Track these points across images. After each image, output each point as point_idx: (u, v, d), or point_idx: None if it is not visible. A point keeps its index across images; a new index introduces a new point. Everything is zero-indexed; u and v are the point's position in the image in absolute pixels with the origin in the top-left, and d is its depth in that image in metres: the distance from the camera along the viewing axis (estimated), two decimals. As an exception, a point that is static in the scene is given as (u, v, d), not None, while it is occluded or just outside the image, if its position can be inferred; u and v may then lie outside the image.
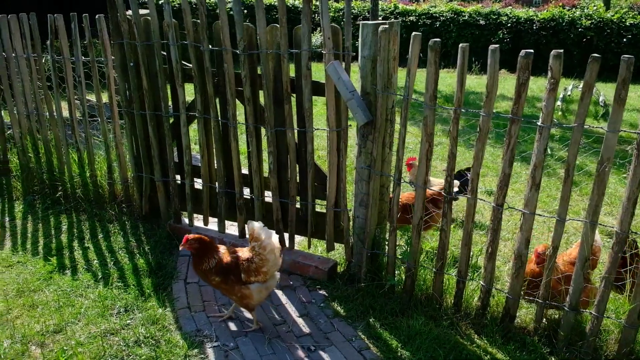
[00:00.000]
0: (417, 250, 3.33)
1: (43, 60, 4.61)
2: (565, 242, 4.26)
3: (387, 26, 3.03)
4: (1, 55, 4.75)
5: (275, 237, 3.08)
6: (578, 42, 12.97)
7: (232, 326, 3.23)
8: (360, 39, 3.20)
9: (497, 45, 2.77)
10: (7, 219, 4.59)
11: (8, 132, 5.22)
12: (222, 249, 3.19)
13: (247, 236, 3.10)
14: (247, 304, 3.13)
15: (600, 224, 2.83)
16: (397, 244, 3.50)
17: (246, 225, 3.05)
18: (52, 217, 4.58)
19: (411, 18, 14.51)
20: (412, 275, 3.39)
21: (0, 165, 5.23)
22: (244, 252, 3.13)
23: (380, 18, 14.16)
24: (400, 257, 3.52)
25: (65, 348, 2.94)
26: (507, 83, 11.26)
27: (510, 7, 14.57)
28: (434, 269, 3.30)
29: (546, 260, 2.98)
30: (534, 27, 13.33)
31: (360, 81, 3.27)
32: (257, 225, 3.05)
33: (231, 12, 3.48)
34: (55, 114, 4.65)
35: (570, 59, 12.83)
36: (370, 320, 3.29)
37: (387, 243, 3.52)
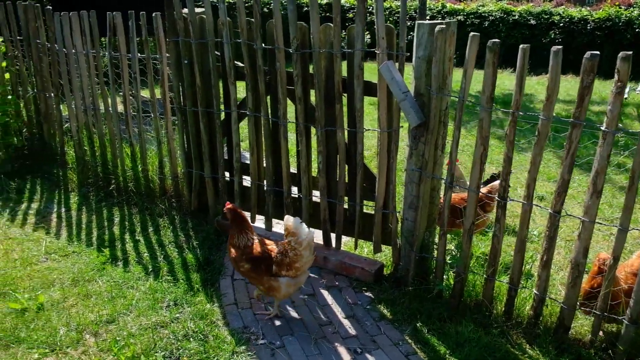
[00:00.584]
0: (467, 255, 3.26)
1: (101, 57, 4.74)
2: (626, 252, 4.08)
3: (444, 26, 2.97)
4: (62, 51, 4.92)
5: (311, 234, 3.08)
6: (636, 43, 12.44)
7: (278, 324, 3.24)
8: (415, 39, 3.15)
9: (559, 47, 2.68)
10: (63, 209, 4.76)
11: (66, 126, 5.40)
12: (256, 237, 3.24)
13: (283, 230, 3.11)
14: (274, 295, 3.18)
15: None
16: (447, 248, 3.44)
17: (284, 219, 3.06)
18: (105, 209, 4.71)
19: (459, 17, 14.24)
20: (462, 280, 3.31)
21: (57, 158, 5.42)
22: (277, 245, 3.15)
23: (427, 17, 13.98)
24: (449, 261, 3.46)
25: (117, 338, 3.02)
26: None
27: (562, 7, 14.10)
28: (484, 275, 3.23)
29: (606, 271, 2.86)
30: (588, 27, 12.86)
31: (413, 82, 3.22)
32: (294, 220, 3.05)
33: (284, 11, 3.49)
34: (110, 109, 4.78)
35: (626, 61, 12.31)
36: (418, 324, 3.24)
37: (435, 247, 3.46)
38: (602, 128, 2.64)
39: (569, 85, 11.04)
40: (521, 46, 2.74)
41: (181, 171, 4.52)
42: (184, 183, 4.52)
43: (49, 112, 5.42)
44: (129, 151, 4.84)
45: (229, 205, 3.28)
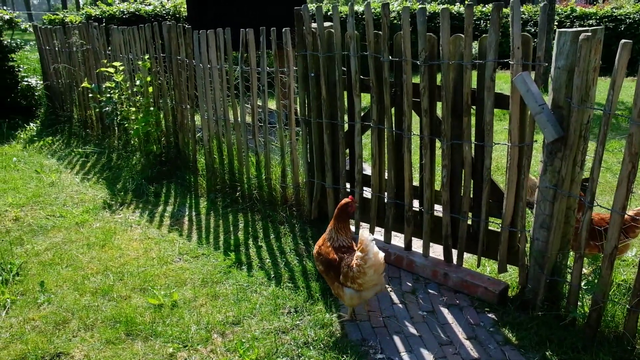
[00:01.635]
0: (607, 282, 2.98)
1: (233, 70, 5.04)
2: None
3: (589, 34, 2.76)
4: (199, 66, 5.31)
5: (380, 255, 3.01)
6: None
7: (397, 339, 3.19)
8: (555, 48, 2.96)
9: None
10: (194, 213, 5.10)
11: (198, 135, 5.81)
12: (349, 242, 3.28)
13: (357, 244, 3.09)
14: (341, 300, 3.25)
15: None
16: (583, 273, 3.18)
17: (359, 232, 3.02)
18: (231, 215, 4.98)
19: (590, 21, 13.23)
20: (599, 309, 3.03)
21: (190, 165, 5.84)
22: (351, 256, 3.13)
23: (555, 24, 13.17)
24: (585, 287, 3.19)
25: (243, 340, 3.16)
26: None
27: None
28: (627, 306, 2.93)
29: None
30: None
31: (551, 94, 3.03)
32: (367, 236, 2.98)
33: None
34: (239, 119, 5.05)
35: None
36: (547, 352, 3.02)
37: (569, 270, 3.21)
38: None
39: None
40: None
41: (302, 181, 4.65)
42: (305, 192, 4.64)
43: (184, 122, 5.86)
44: (254, 160, 5.08)
45: (351, 198, 3.35)
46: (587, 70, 2.84)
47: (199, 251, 4.34)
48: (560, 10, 14.07)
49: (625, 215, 3.33)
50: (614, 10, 13.41)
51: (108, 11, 10.84)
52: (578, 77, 2.84)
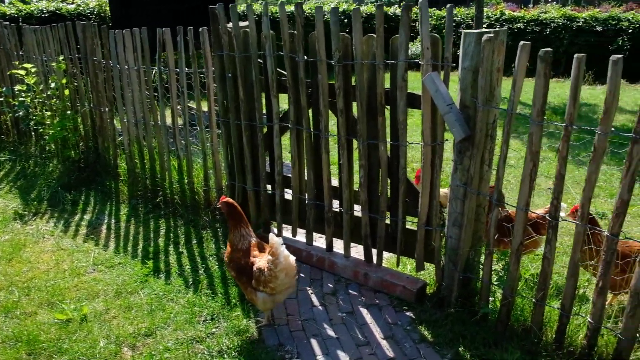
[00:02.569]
0: (515, 277, 3.05)
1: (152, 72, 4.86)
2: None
3: (492, 35, 2.81)
4: (116, 67, 5.09)
5: (291, 259, 2.99)
6: None
7: (314, 343, 3.15)
8: (461, 49, 3.01)
9: (619, 56, 2.46)
10: (113, 220, 4.88)
11: (119, 139, 5.57)
12: (254, 238, 3.24)
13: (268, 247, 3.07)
14: (255, 305, 3.20)
15: None
16: (493, 268, 3.25)
17: (270, 235, 3.00)
18: (152, 221, 4.79)
19: (519, 25, 13.76)
20: (509, 304, 3.11)
21: (110, 170, 5.59)
22: (262, 259, 3.07)
23: (484, 26, 13.61)
24: (495, 283, 3.26)
25: (153, 353, 3.02)
26: (625, 94, 10.30)
27: (632, 12, 13.31)
28: (533, 299, 3.01)
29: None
30: (660, 33, 12.09)
31: (459, 94, 3.07)
32: (277, 240, 2.94)
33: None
34: (159, 122, 4.88)
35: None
36: (460, 349, 3.06)
37: (481, 267, 3.27)
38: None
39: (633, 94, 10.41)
40: (576, 56, 2.54)
41: (225, 184, 4.53)
42: (228, 195, 4.52)
43: (103, 126, 5.61)
44: (175, 164, 4.92)
45: (224, 199, 3.27)
46: (491, 71, 2.89)
47: (115, 260, 4.14)
48: (490, 14, 14.56)
49: (534, 214, 3.45)
50: (540, 14, 14.00)
51: (25, 10, 10.25)
52: (482, 77, 2.89)
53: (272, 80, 3.82)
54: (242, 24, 3.90)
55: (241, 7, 11.94)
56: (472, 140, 3.04)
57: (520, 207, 2.94)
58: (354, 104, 3.53)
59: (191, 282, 3.79)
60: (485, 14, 14.44)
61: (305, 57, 3.60)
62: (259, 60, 3.89)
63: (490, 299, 3.26)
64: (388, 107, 3.45)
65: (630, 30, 12.40)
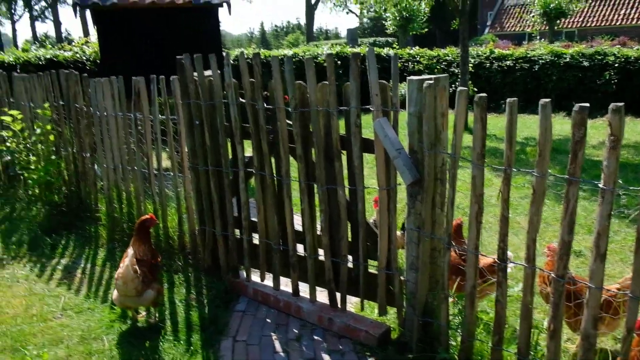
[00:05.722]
0: (471, 321, 3.05)
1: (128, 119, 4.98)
2: None
3: (432, 82, 2.90)
4: (96, 114, 5.23)
5: (125, 270, 3.54)
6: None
7: (271, 390, 3.13)
8: (406, 95, 3.09)
9: (548, 100, 2.52)
10: (89, 265, 4.92)
11: (100, 184, 5.66)
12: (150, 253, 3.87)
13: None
14: None
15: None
16: (453, 312, 3.24)
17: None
18: (127, 265, 4.82)
19: (507, 62, 14.00)
20: (467, 348, 3.09)
21: (90, 215, 5.67)
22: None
23: (473, 63, 13.84)
24: (454, 327, 3.24)
25: (106, 401, 3.01)
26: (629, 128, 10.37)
27: (618, 47, 13.52)
28: (489, 344, 2.99)
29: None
30: (647, 68, 12.24)
31: (407, 138, 3.14)
32: (129, 256, 3.65)
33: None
34: (135, 167, 4.97)
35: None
36: (420, 395, 3.02)
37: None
38: (600, 185, 2.44)
39: (627, 128, 10.45)
40: (508, 100, 2.62)
41: (197, 228, 4.58)
42: (199, 240, 4.57)
43: (85, 170, 5.72)
44: (151, 208, 4.98)
45: (151, 215, 4.03)
46: (435, 116, 2.97)
47: (84, 305, 4.16)
48: (480, 52, 14.83)
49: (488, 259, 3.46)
50: (528, 52, 14.25)
51: (22, 57, 10.59)
52: (426, 122, 2.96)
53: (235, 127, 3.91)
54: (207, 73, 4.03)
55: (234, 53, 12.23)
56: (421, 184, 3.09)
57: (470, 249, 2.96)
58: (313, 150, 3.60)
59: (156, 328, 3.79)
60: (475, 52, 14.73)
61: (265, 105, 3.70)
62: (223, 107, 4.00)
63: (452, 343, 3.24)
64: (344, 152, 3.52)
65: (616, 65, 12.56)
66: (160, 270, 4.05)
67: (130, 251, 3.74)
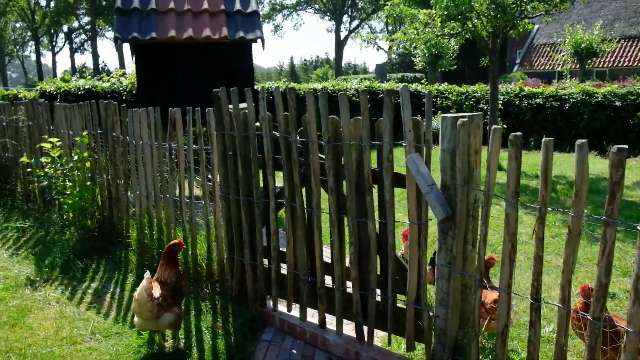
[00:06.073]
0: (502, 359, 2.99)
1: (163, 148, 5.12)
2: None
3: (466, 120, 2.93)
4: (132, 142, 5.39)
5: (139, 293, 3.66)
6: None
7: None
8: (440, 132, 3.12)
9: (584, 141, 2.53)
10: (118, 289, 4.99)
11: (132, 210, 5.79)
12: (175, 277, 3.94)
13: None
14: None
15: None
16: (483, 351, 3.18)
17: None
18: (156, 292, 4.87)
19: (537, 100, 13.94)
20: (498, 389, 3.01)
21: (121, 240, 5.78)
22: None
23: (502, 101, 13.83)
24: (485, 366, 3.18)
25: None
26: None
27: (652, 88, 13.38)
28: (522, 386, 2.92)
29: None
30: (682, 108, 12.06)
31: (440, 175, 3.15)
32: (144, 279, 3.71)
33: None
34: (167, 195, 5.08)
35: None
36: None
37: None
38: (639, 227, 2.40)
39: (660, 170, 10.27)
40: (543, 140, 2.63)
41: (225, 257, 4.63)
42: (227, 269, 4.61)
43: (119, 197, 5.86)
44: (181, 236, 5.06)
45: (179, 240, 4.09)
46: (468, 153, 2.98)
47: (112, 330, 4.21)
48: (509, 90, 14.82)
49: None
50: (558, 90, 14.19)
51: (63, 87, 11.02)
52: (459, 159, 2.98)
53: (268, 159, 3.99)
54: (242, 105, 4.14)
55: (266, 86, 12.49)
56: (453, 220, 3.09)
57: (502, 288, 2.92)
58: (345, 183, 3.64)
59: (182, 355, 3.80)
60: (505, 89, 14.73)
61: (298, 138, 3.77)
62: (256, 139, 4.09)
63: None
64: (376, 186, 3.54)
65: (650, 106, 12.41)
66: (184, 295, 4.07)
67: (147, 274, 3.77)
